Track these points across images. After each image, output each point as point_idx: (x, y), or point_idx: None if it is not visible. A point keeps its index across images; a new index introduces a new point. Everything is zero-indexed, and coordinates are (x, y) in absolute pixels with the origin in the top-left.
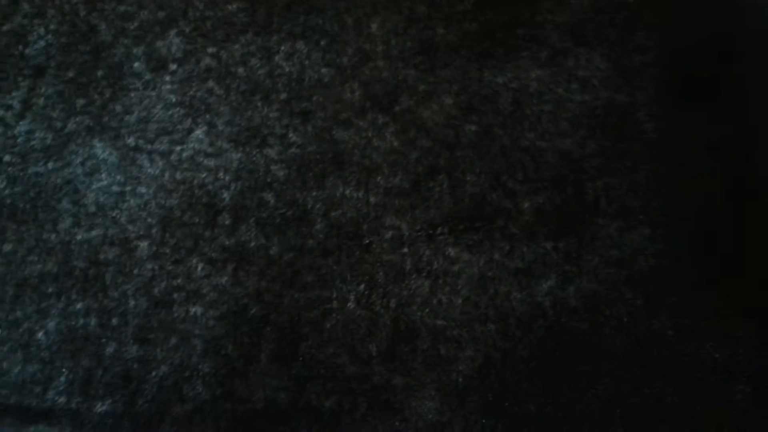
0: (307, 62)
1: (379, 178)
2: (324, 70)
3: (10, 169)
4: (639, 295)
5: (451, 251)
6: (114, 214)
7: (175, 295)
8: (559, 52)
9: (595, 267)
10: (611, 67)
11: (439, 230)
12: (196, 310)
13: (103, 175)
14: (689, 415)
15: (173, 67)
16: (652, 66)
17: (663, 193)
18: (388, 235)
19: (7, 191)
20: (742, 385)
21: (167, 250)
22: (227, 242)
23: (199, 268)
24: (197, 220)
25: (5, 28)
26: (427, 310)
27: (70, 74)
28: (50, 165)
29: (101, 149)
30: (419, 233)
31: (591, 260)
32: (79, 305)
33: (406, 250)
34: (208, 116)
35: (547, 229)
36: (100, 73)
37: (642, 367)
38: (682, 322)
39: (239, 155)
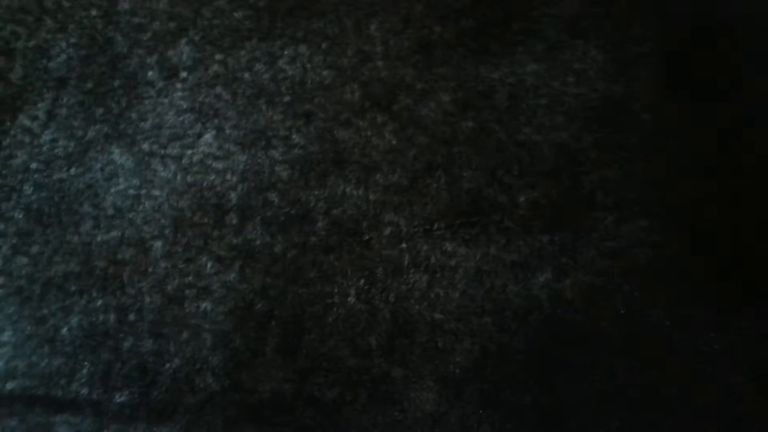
0: (309, 65)
1: (378, 175)
2: (325, 72)
3: (36, 176)
4: (636, 287)
5: (448, 246)
6: (131, 216)
7: (187, 292)
8: (555, 45)
9: (591, 259)
10: (607, 59)
11: (436, 225)
12: (206, 305)
13: (121, 180)
14: (687, 406)
15: (184, 74)
16: (649, 57)
17: (659, 184)
18: (387, 231)
19: (34, 197)
20: (740, 375)
21: (179, 249)
22: (235, 241)
23: (209, 266)
24: (207, 220)
25: (31, 43)
26: (425, 303)
27: (90, 85)
28: (72, 171)
29: (119, 155)
30: (417, 229)
31: (587, 253)
32: (99, 302)
33: (404, 245)
34: (216, 120)
35: (543, 223)
36: (116, 82)
37: (639, 358)
38: (679, 313)
39: (245, 157)
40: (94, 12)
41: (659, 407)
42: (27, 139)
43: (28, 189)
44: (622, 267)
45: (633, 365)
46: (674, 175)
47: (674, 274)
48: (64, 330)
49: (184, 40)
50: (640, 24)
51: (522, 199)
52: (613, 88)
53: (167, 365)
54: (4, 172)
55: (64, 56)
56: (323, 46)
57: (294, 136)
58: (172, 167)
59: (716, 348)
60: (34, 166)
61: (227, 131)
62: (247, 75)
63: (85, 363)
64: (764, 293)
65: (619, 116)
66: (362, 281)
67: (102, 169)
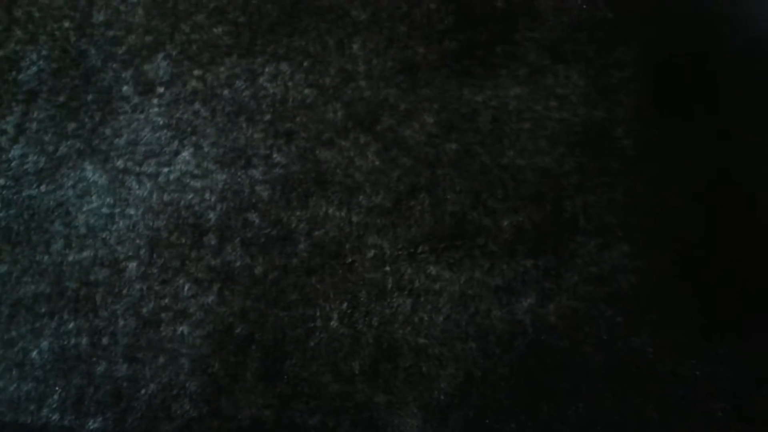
0: (290, 83)
1: (361, 197)
2: (307, 91)
3: (4, 192)
4: (619, 312)
5: (432, 269)
6: (104, 236)
7: (163, 315)
8: (538, 69)
9: (575, 284)
10: (589, 83)
11: (420, 249)
12: (183, 329)
13: (94, 198)
14: None
15: (161, 90)
16: (630, 82)
17: (641, 209)
18: (370, 254)
19: (2, 214)
20: (722, 402)
21: (155, 271)
22: (213, 262)
23: (186, 288)
24: (184, 241)
25: None
26: (409, 328)
27: (62, 99)
28: (43, 188)
29: (91, 172)
30: (401, 252)
31: (570, 278)
32: (71, 325)
33: (388, 268)
34: (194, 138)
35: (527, 247)
36: (90, 97)
37: (622, 384)
38: (662, 339)
39: (224, 176)
40: (66, 23)
41: None
42: None
43: None
44: (605, 292)
45: (616, 391)
46: (656, 200)
47: (657, 300)
48: (34, 353)
49: (161, 55)
50: (621, 49)
51: (506, 222)
52: (595, 113)
53: (143, 391)
54: None
55: (34, 68)
56: (305, 64)
57: (275, 156)
58: (148, 185)
59: (698, 374)
60: (2, 182)
61: (206, 149)
62: (226, 92)
63: (57, 388)
64: (747, 318)
65: (601, 141)
66: (345, 305)
67: (74, 186)
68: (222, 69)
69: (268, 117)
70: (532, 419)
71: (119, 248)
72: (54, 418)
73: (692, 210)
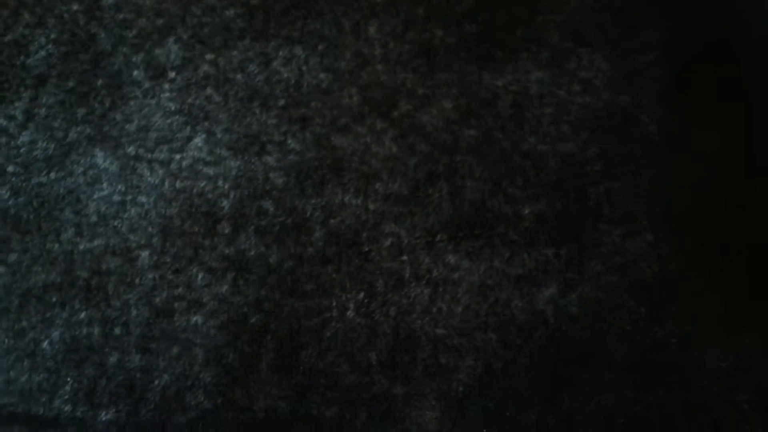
0: (305, 68)
1: (378, 184)
2: (322, 76)
3: (14, 179)
4: (642, 302)
5: (451, 258)
6: (115, 224)
7: (176, 305)
8: (560, 53)
9: (597, 274)
10: (613, 67)
11: (438, 237)
12: (197, 319)
13: (105, 185)
14: (693, 425)
15: (172, 74)
16: (655, 66)
17: (666, 197)
18: (388, 242)
19: (11, 201)
20: (747, 394)
21: (168, 260)
22: (227, 251)
23: (200, 277)
24: (197, 229)
25: (7, 38)
26: (427, 318)
27: (71, 83)
28: (53, 175)
29: (102, 158)
30: (418, 240)
31: (593, 267)
32: (82, 315)
33: (405, 257)
34: (206, 124)
35: (548, 236)
36: (100, 82)
37: (645, 375)
38: (686, 330)
39: (238, 163)
40: (75, 6)
41: (665, 425)
42: (3, 141)
43: (4, 193)
44: (629, 282)
45: (639, 382)
46: (681, 188)
47: (681, 290)
48: (45, 344)
49: (172, 39)
50: (646, 32)
51: (527, 211)
52: (619, 97)
53: (156, 382)
54: None
55: (43, 53)
56: (320, 48)
57: (289, 142)
58: (160, 172)
59: (723, 365)
60: (11, 169)
61: (218, 135)
62: (239, 76)
63: (68, 379)
64: None
65: (626, 127)
66: (362, 294)
67: (84, 174)
68: (235, 53)
69: (282, 102)
70: (553, 411)
71: (131, 236)
72: (66, 409)
73: (718, 198)
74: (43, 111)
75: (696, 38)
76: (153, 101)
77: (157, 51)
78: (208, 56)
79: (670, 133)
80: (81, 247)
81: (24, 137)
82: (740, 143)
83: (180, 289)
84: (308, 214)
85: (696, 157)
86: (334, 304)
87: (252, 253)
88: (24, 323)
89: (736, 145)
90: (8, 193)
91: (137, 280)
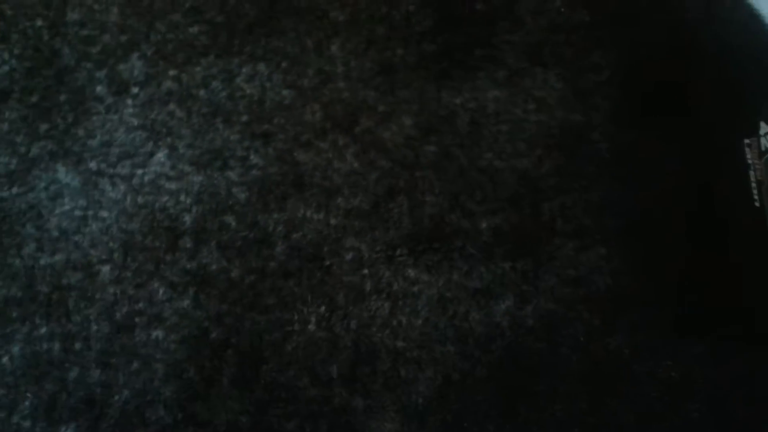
0: (268, 84)
1: (340, 199)
2: (285, 92)
3: None
4: (595, 314)
5: (411, 272)
6: (77, 239)
7: (137, 319)
8: (516, 72)
9: (552, 287)
10: (567, 86)
11: (398, 251)
12: (157, 334)
13: (66, 200)
14: None
15: (135, 90)
16: (607, 85)
17: (617, 212)
18: (349, 256)
19: None
20: (698, 403)
21: (129, 274)
22: (188, 266)
23: (161, 292)
24: (158, 244)
25: None
26: (387, 331)
27: (34, 99)
28: (15, 190)
29: (64, 174)
30: (379, 254)
31: (548, 280)
32: (43, 330)
33: (366, 271)
34: (169, 139)
35: (505, 249)
36: (63, 97)
37: (599, 386)
38: (638, 340)
39: (201, 178)
40: (39, 22)
41: None
42: None
43: None
44: (583, 294)
45: (593, 393)
46: (632, 202)
47: (633, 301)
48: (5, 359)
49: (136, 55)
50: (598, 52)
51: (484, 225)
52: (572, 116)
53: (116, 397)
54: None
55: (6, 68)
56: (283, 64)
57: (252, 157)
58: (122, 187)
59: (674, 375)
60: None
61: (181, 150)
62: (202, 92)
63: (28, 394)
64: (722, 320)
65: (578, 144)
66: (323, 308)
67: (46, 189)
68: (198, 69)
69: (245, 118)
70: (509, 421)
71: (92, 251)
72: (25, 425)
73: (667, 212)
74: (5, 126)
75: (646, 58)
76: (116, 116)
77: (121, 67)
78: (172, 72)
79: (620, 150)
80: (42, 261)
81: None
82: (688, 159)
83: (141, 304)
84: (270, 228)
85: (645, 173)
86: (296, 317)
87: (214, 267)
88: None
89: (684, 161)
90: None
91: (98, 295)
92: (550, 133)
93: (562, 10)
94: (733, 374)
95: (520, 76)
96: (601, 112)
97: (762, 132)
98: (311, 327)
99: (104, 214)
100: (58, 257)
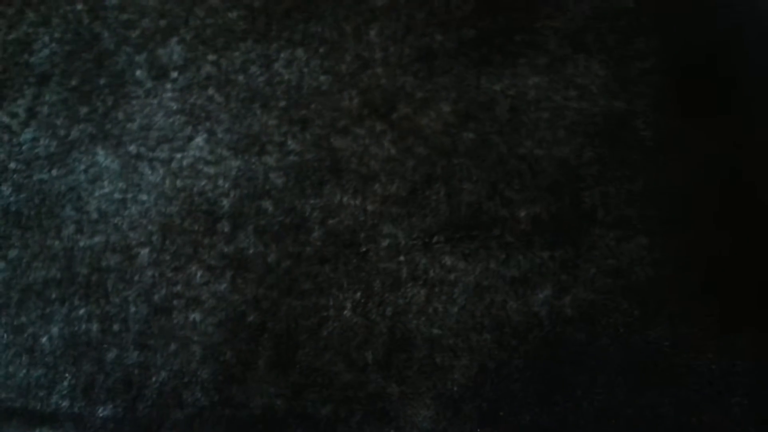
0: (305, 70)
1: (377, 186)
2: (322, 78)
3: (15, 176)
4: (635, 305)
5: (448, 260)
6: (116, 221)
7: (175, 302)
8: (558, 58)
9: (592, 277)
10: (610, 74)
11: (435, 239)
12: (195, 316)
13: (106, 183)
14: (685, 427)
15: (174, 74)
16: (651, 73)
17: (660, 202)
18: (385, 243)
19: (12, 198)
20: (739, 396)
21: (167, 257)
22: (226, 249)
23: (199, 275)
24: (197, 228)
25: (11, 36)
26: (423, 318)
27: (74, 82)
28: (54, 172)
29: (104, 156)
30: (415, 241)
31: (588, 270)
32: (81, 311)
33: (402, 258)
34: (208, 124)
35: (544, 238)
36: (102, 81)
37: (637, 377)
38: (678, 332)
39: (238, 163)
40: (79, 6)
41: (657, 426)
42: (5, 137)
43: (6, 190)
44: (623, 285)
45: (632, 384)
46: (675, 192)
47: (674, 293)
48: (44, 339)
49: (175, 39)
50: (642, 39)
51: (523, 213)
52: (615, 103)
53: (153, 378)
54: None
55: (46, 51)
56: (321, 50)
57: (289, 143)
58: (161, 171)
59: (714, 368)
60: (12, 166)
61: (219, 135)
62: (241, 77)
63: (66, 374)
64: (764, 313)
65: (621, 132)
66: (359, 294)
67: (86, 171)
68: (237, 54)
69: (282, 103)
70: (546, 411)
71: (131, 234)
72: (64, 404)
73: (711, 202)
74: (45, 109)
75: (691, 46)
76: (155, 101)
77: (160, 51)
78: (211, 57)
79: (664, 138)
80: (81, 243)
81: (26, 135)
82: (734, 147)
83: (179, 287)
84: (307, 214)
85: (690, 162)
86: (331, 303)
87: (251, 251)
88: (23, 319)
89: (728, 151)
90: (10, 190)
91: (136, 277)
92: (592, 121)
93: None
94: None
95: (561, 63)
96: (645, 100)
97: None
98: (347, 313)
99: (143, 197)
100: (97, 239)
